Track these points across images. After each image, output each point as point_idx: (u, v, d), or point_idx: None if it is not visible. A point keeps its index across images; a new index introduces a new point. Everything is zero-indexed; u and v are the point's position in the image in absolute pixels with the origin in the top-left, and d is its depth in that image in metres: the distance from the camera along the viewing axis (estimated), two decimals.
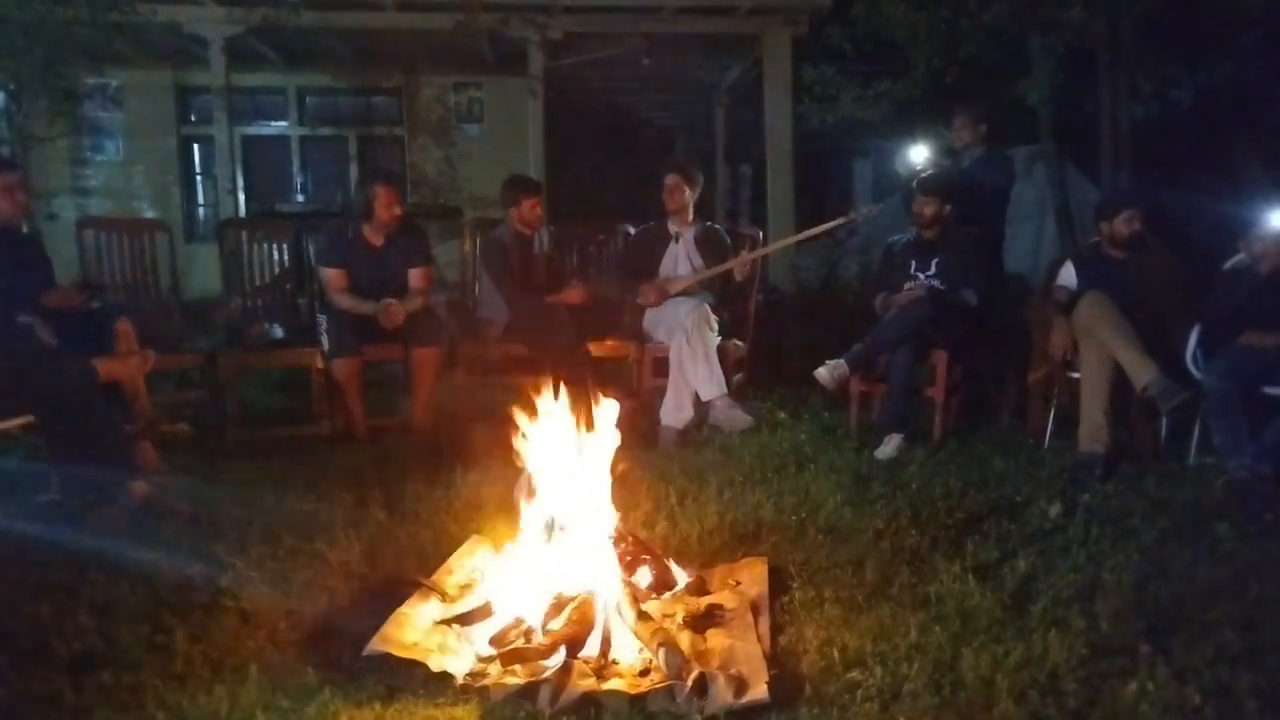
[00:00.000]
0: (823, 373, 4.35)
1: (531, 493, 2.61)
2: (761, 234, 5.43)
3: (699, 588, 2.66)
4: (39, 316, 3.64)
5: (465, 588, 2.68)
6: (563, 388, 2.63)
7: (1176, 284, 4.11)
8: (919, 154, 5.93)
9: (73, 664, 2.23)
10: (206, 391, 4.60)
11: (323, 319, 4.62)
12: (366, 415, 4.52)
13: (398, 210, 4.59)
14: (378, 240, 4.63)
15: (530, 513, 2.61)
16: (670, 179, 4.93)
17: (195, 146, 10.52)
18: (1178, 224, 5.62)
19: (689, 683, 2.06)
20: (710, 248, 4.95)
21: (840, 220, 5.20)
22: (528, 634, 2.32)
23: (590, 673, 2.17)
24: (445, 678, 2.17)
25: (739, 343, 4.89)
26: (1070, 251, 4.86)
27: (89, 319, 3.85)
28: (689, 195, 4.92)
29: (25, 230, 3.81)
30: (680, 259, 4.93)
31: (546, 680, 2.11)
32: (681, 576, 2.67)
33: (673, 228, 4.96)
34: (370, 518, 3.23)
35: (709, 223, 5.11)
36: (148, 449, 3.76)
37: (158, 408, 3.90)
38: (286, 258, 5.15)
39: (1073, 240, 7.24)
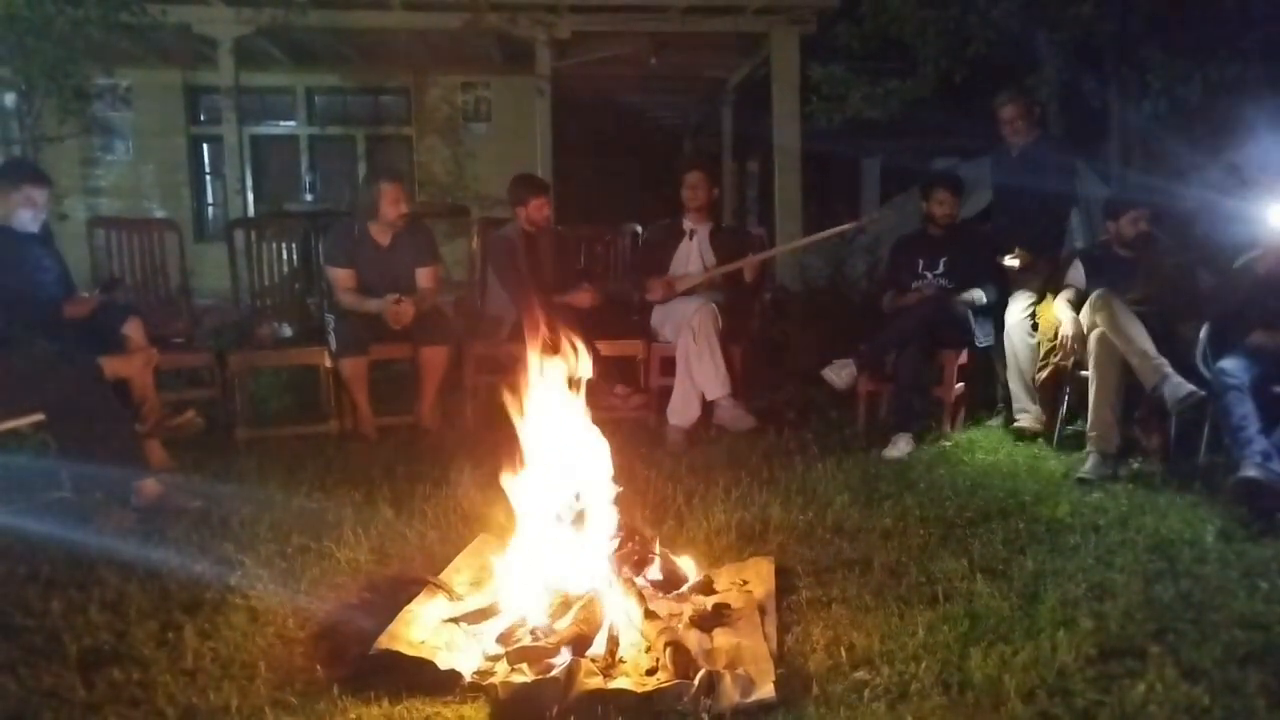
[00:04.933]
0: (830, 372, 4.35)
1: (534, 490, 2.62)
2: (767, 233, 5.42)
3: (706, 587, 2.66)
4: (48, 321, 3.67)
5: (473, 586, 2.69)
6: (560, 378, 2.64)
7: (1184, 283, 4.09)
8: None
9: (83, 660, 2.25)
10: (216, 390, 4.62)
11: (331, 318, 4.63)
12: (375, 414, 4.54)
13: (404, 208, 4.61)
14: (384, 239, 4.64)
15: (536, 510, 2.61)
16: (692, 176, 4.90)
17: (204, 146, 10.55)
18: (1187, 221, 5.59)
19: (696, 682, 2.06)
20: (725, 246, 4.92)
21: (849, 225, 5.21)
22: (535, 632, 2.33)
23: (597, 671, 2.17)
24: (453, 676, 2.17)
25: (746, 342, 4.88)
26: (1079, 250, 4.84)
27: (101, 317, 3.87)
28: (709, 193, 4.92)
29: (36, 231, 3.83)
30: (693, 255, 4.90)
31: (554, 679, 2.11)
32: (690, 573, 2.67)
33: (688, 224, 4.93)
34: (378, 516, 3.25)
35: (725, 223, 5.10)
36: (157, 447, 3.79)
37: (167, 406, 3.92)
38: (295, 257, 5.17)
39: (1083, 238, 7.20)
